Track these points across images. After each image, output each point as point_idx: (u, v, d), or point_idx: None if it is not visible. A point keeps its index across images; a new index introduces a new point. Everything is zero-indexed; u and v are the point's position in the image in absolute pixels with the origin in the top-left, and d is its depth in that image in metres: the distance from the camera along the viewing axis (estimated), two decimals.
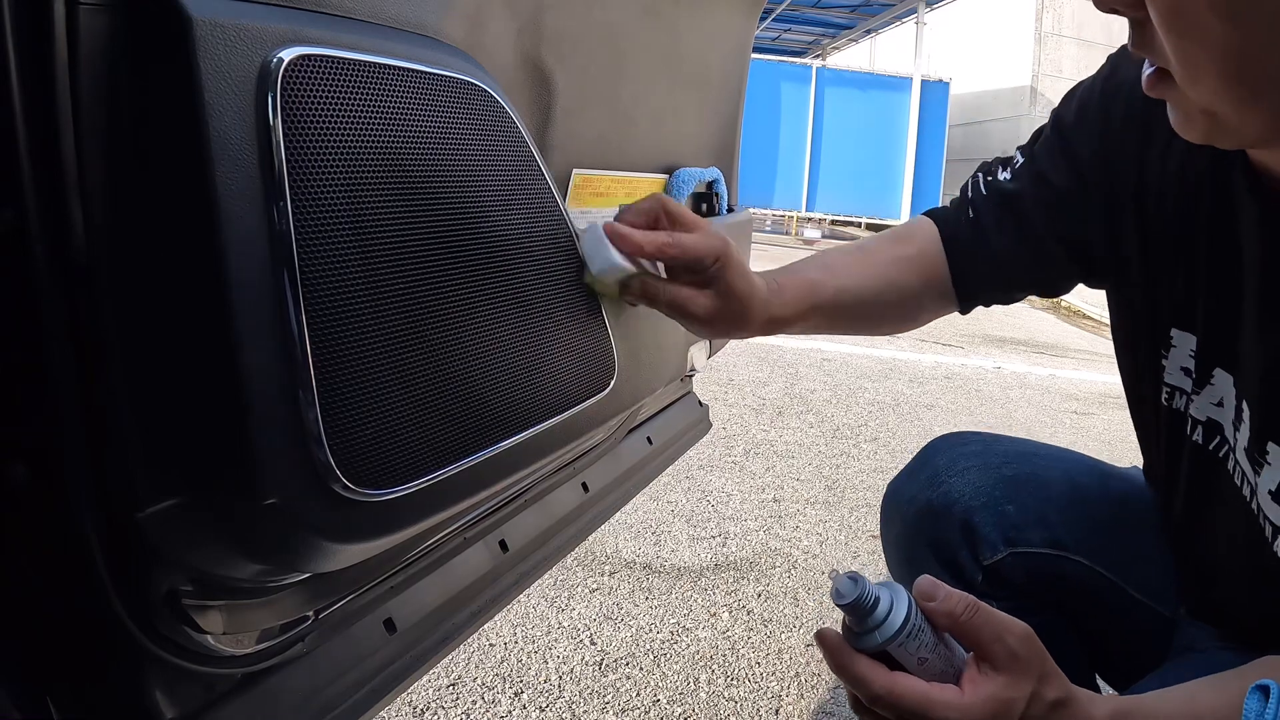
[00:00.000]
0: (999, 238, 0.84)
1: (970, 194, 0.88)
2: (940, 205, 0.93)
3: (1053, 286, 0.86)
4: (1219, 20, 0.49)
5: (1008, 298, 0.89)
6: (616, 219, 0.71)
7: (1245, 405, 0.70)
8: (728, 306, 0.73)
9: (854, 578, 0.56)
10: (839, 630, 0.58)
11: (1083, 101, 0.81)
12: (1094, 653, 0.89)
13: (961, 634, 0.58)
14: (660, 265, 0.73)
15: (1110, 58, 0.79)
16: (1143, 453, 0.88)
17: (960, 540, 0.85)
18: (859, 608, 0.56)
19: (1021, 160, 0.85)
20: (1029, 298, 0.98)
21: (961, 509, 0.85)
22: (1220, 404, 0.73)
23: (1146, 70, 0.57)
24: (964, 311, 0.90)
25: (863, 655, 0.57)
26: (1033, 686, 0.56)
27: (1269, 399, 0.66)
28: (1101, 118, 0.78)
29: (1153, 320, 0.78)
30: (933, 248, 0.88)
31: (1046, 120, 0.86)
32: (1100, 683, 0.94)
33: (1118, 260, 0.79)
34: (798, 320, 0.81)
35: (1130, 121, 0.76)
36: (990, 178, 0.86)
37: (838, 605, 0.57)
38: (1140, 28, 0.55)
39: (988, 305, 0.90)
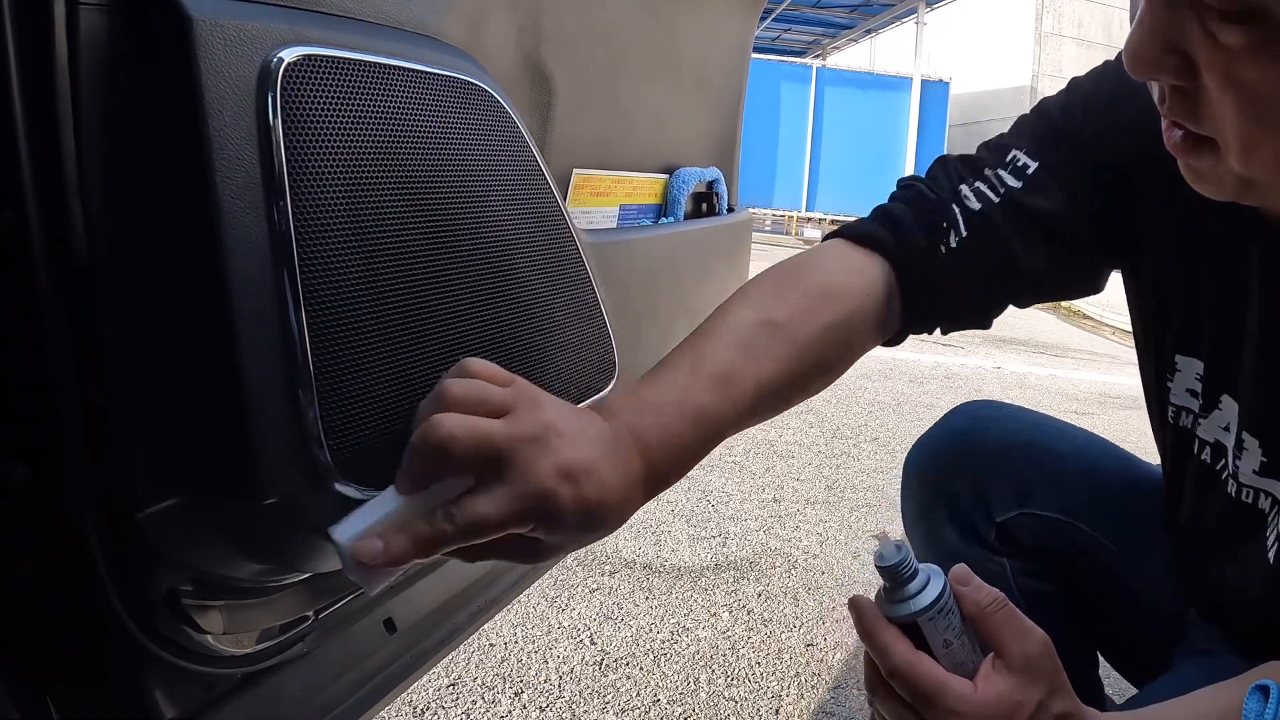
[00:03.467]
0: (1031, 257, 0.71)
1: (964, 214, 0.71)
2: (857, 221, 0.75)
3: (1067, 292, 0.78)
4: None
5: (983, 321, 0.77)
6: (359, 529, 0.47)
7: (1246, 435, 0.69)
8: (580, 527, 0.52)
9: (899, 545, 0.57)
10: (873, 599, 0.59)
11: (1091, 109, 0.72)
12: (1097, 629, 0.90)
13: (985, 625, 0.58)
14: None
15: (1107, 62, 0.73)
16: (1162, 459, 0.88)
17: (974, 496, 0.87)
18: (898, 575, 0.57)
19: (1035, 165, 0.71)
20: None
21: (978, 466, 0.87)
22: (1226, 429, 0.73)
23: (1174, 133, 0.54)
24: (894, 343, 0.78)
25: (891, 626, 0.57)
26: (1041, 695, 0.56)
27: None
28: (1110, 149, 0.71)
29: (1159, 344, 0.78)
30: (878, 294, 0.71)
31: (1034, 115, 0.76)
32: (1102, 663, 0.94)
33: (1137, 291, 0.78)
34: (692, 462, 0.60)
35: (1135, 157, 0.70)
36: (990, 186, 0.72)
37: (878, 567, 0.57)
38: (1185, 96, 0.51)
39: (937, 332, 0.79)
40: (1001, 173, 0.72)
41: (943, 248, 0.71)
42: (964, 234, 0.71)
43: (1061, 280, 0.75)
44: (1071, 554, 0.86)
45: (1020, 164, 0.72)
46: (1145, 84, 0.59)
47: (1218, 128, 0.51)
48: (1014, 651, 0.57)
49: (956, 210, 0.72)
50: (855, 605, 0.58)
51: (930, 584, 0.57)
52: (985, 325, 0.77)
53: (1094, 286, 0.77)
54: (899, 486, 0.98)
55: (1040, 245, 0.71)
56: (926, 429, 0.96)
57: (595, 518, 0.51)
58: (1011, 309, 0.77)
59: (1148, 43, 0.50)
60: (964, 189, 0.72)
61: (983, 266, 0.71)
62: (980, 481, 0.87)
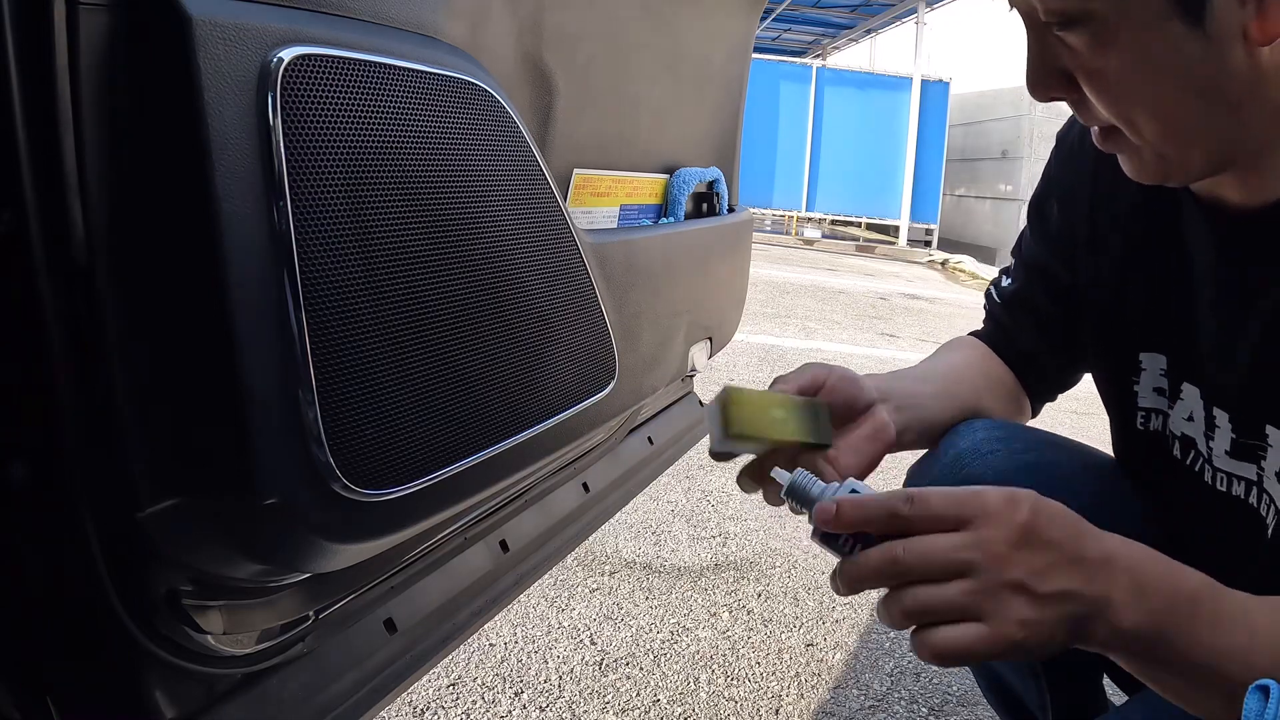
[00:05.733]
0: (1023, 336, 0.90)
1: (989, 307, 0.95)
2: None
3: (1089, 362, 0.90)
4: (1142, 83, 0.57)
5: (1062, 385, 0.94)
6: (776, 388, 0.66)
7: (1218, 412, 0.71)
8: (878, 449, 0.71)
9: (792, 471, 0.57)
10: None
11: (1044, 178, 0.88)
12: (1102, 659, 0.89)
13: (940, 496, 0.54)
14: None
15: (1058, 133, 0.87)
16: (1128, 475, 0.88)
17: None
18: (803, 488, 0.56)
19: (1014, 263, 0.93)
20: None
21: None
22: (1190, 418, 0.75)
23: (1095, 132, 0.63)
24: (1035, 411, 0.95)
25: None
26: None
27: (1252, 388, 0.67)
28: (1057, 182, 0.85)
29: (1119, 348, 0.80)
30: (994, 364, 0.93)
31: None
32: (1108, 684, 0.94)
33: (1093, 296, 0.83)
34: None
35: (1079, 174, 0.82)
36: (997, 288, 0.94)
37: (787, 496, 0.56)
38: (1079, 105, 0.62)
39: (1053, 398, 0.96)
40: (1002, 279, 0.93)
41: (993, 326, 0.94)
42: (995, 322, 0.93)
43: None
44: None
45: (1011, 266, 0.93)
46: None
47: (1109, 115, 0.60)
48: (982, 488, 0.53)
49: (987, 305, 0.95)
50: (825, 509, 0.53)
51: (838, 483, 0.56)
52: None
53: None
54: (899, 486, 0.97)
55: (1022, 315, 0.90)
56: (926, 451, 0.95)
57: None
58: None
59: (1034, 69, 0.61)
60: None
61: (1012, 339, 0.91)
62: None
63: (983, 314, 0.96)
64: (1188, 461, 0.76)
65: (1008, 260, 0.98)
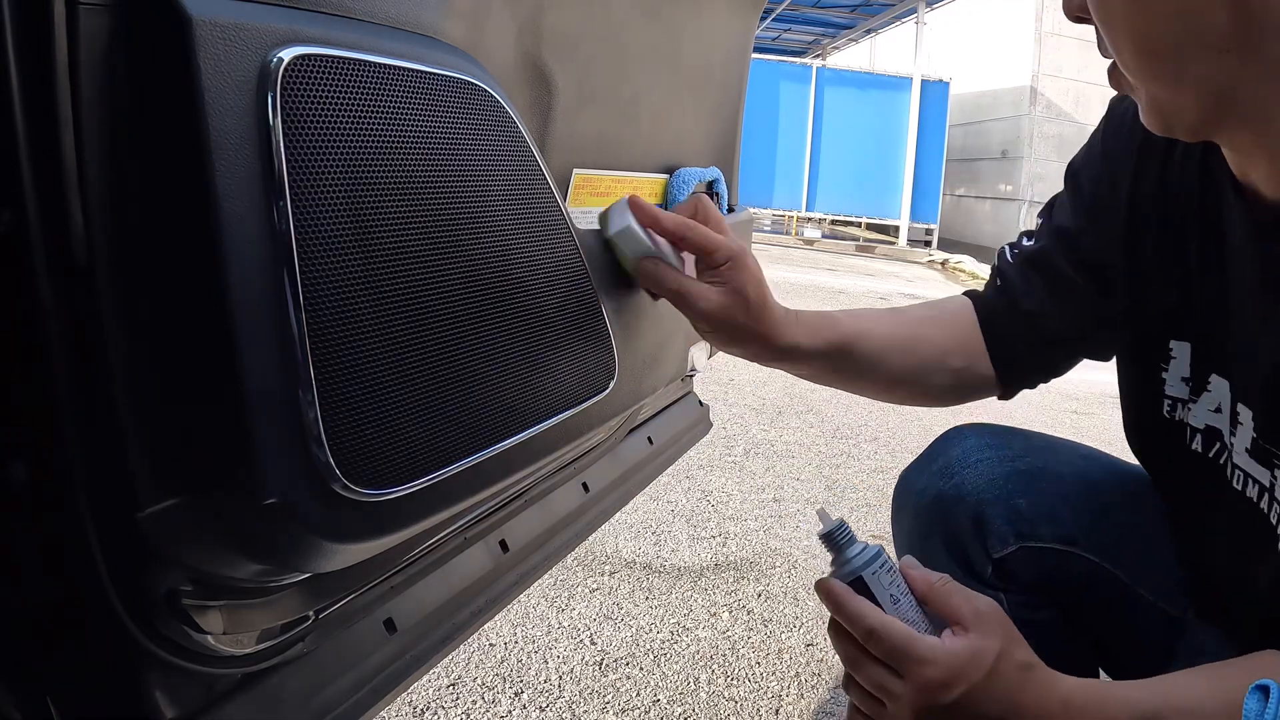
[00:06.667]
0: (1029, 296, 0.86)
1: (998, 264, 0.91)
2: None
3: (1092, 341, 0.87)
4: (1123, 5, 0.57)
5: (1051, 364, 0.89)
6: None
7: (1242, 408, 0.70)
8: (736, 310, 0.73)
9: (836, 518, 0.67)
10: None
11: (1088, 145, 0.86)
12: (1100, 655, 0.89)
13: (936, 599, 0.65)
14: (683, 261, 0.75)
15: (1110, 101, 0.84)
16: (1143, 465, 0.87)
17: (971, 533, 0.85)
18: (836, 540, 0.66)
19: (1041, 222, 0.89)
20: None
21: (973, 501, 0.85)
22: (1218, 410, 0.74)
23: (1108, 67, 0.63)
24: (1005, 394, 0.90)
25: (861, 597, 0.64)
26: (1001, 644, 0.62)
27: (1275, 388, 0.67)
28: (1102, 151, 0.83)
29: (1151, 334, 0.79)
30: (966, 318, 0.89)
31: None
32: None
33: (1128, 278, 0.81)
34: (814, 355, 0.79)
35: (1127, 148, 0.80)
36: (1015, 247, 0.90)
37: (819, 537, 0.67)
38: (1100, 31, 0.61)
39: (1032, 383, 0.90)
40: (1022, 239, 0.91)
41: (995, 283, 0.91)
42: (1001, 278, 0.90)
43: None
44: (1070, 583, 0.84)
45: (1036, 226, 0.90)
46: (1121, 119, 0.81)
47: (1106, 40, 0.60)
48: (967, 612, 0.64)
49: (997, 263, 0.92)
50: (824, 586, 0.66)
51: (869, 548, 0.66)
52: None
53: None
54: (892, 485, 0.97)
55: (1035, 275, 0.87)
56: (917, 456, 0.94)
57: (751, 296, 0.74)
58: None
59: None
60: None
61: (1013, 296, 0.88)
62: (975, 518, 0.84)
63: (990, 271, 0.93)
64: (1210, 455, 0.76)
65: None
